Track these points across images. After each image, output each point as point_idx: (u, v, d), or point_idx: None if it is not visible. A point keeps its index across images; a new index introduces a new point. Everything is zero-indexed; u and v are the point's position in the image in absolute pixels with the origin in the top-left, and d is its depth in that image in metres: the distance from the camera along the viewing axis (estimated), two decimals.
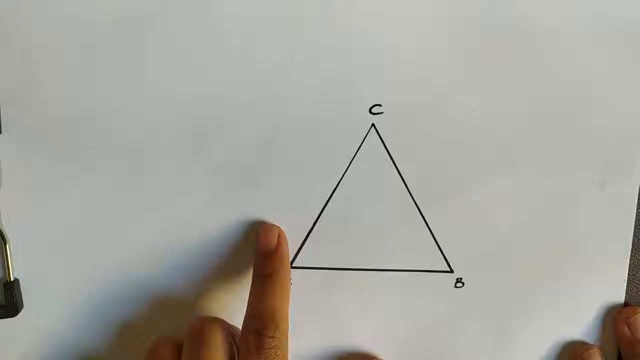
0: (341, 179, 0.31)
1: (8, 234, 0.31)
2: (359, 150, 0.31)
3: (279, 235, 0.31)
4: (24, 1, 0.28)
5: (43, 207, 0.31)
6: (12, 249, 0.31)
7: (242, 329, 0.29)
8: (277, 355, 0.27)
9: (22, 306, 0.31)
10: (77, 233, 0.31)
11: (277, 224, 0.31)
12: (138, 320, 0.32)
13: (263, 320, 0.28)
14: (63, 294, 0.32)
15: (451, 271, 0.32)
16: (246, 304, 0.29)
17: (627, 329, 0.32)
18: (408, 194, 0.31)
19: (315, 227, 0.31)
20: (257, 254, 0.31)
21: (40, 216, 0.31)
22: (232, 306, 0.32)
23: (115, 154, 0.30)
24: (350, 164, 0.31)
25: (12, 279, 0.31)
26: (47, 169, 0.30)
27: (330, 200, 0.31)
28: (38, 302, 0.32)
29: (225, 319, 0.31)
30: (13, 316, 0.31)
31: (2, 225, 0.30)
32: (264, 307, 0.29)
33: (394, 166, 0.31)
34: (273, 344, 0.27)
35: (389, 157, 0.31)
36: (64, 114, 0.29)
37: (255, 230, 0.31)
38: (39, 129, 0.30)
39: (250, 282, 0.30)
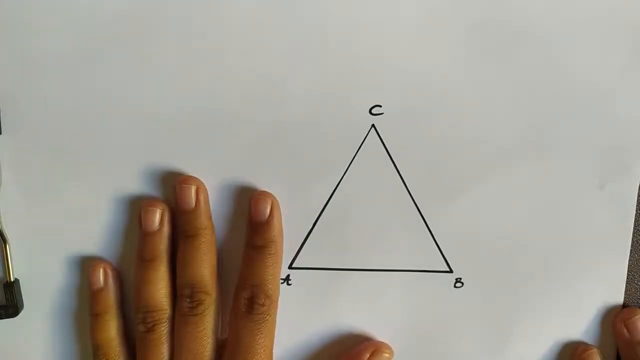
0: (341, 179, 0.31)
1: (8, 234, 0.31)
2: (359, 151, 0.31)
3: (272, 206, 0.30)
4: (24, 1, 0.28)
5: (43, 207, 0.31)
6: (12, 249, 0.31)
7: (234, 295, 0.31)
8: (266, 320, 0.30)
9: (22, 306, 0.31)
10: (77, 233, 0.31)
11: None
12: None
13: (251, 289, 0.30)
14: (63, 294, 0.32)
15: (451, 271, 0.32)
16: None
17: (625, 331, 0.32)
18: (408, 194, 0.31)
19: (315, 227, 0.31)
20: (248, 224, 0.31)
21: (40, 216, 0.31)
22: None
23: (115, 154, 0.30)
24: (350, 164, 0.31)
25: (12, 279, 0.31)
26: (47, 169, 0.30)
27: (330, 200, 0.31)
28: (38, 302, 0.32)
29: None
30: (13, 316, 0.31)
31: (2, 225, 0.31)
32: (253, 277, 0.30)
33: (394, 166, 0.31)
34: (262, 310, 0.30)
35: (389, 157, 0.31)
36: (64, 114, 0.29)
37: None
38: (38, 129, 0.30)
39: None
